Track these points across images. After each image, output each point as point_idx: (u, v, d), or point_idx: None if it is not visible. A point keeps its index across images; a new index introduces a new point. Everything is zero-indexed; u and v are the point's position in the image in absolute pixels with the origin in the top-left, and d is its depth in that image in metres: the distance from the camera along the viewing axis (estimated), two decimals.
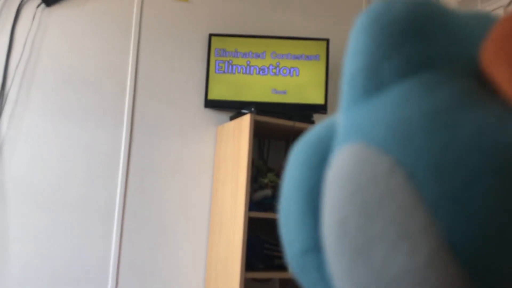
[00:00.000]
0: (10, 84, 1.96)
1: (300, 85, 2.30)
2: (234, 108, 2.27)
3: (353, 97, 0.31)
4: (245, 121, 2.03)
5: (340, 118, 0.33)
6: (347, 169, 0.28)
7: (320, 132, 0.35)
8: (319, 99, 2.29)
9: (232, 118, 2.23)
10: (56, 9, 2.08)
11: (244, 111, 2.12)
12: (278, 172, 2.24)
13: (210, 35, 2.30)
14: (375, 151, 0.27)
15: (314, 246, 0.32)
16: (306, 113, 2.24)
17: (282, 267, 2.14)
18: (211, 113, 2.33)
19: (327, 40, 2.33)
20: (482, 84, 0.27)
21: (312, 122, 2.19)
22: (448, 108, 0.26)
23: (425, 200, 0.25)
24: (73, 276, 1.98)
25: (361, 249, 0.26)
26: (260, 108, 2.10)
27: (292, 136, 2.15)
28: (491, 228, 0.23)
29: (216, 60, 2.28)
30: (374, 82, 0.30)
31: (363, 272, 0.26)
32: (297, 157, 0.35)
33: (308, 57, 2.32)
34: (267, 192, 2.11)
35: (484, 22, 0.31)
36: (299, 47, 2.32)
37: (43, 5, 2.05)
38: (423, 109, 0.26)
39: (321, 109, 2.28)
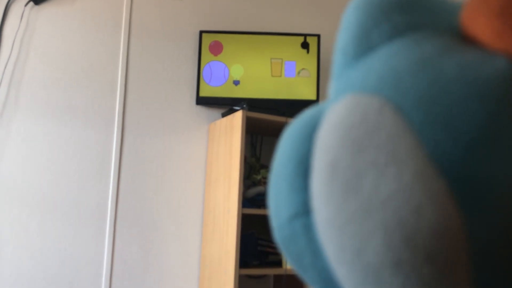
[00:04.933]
0: None
1: (292, 81, 2.30)
2: (226, 105, 2.26)
3: (345, 63, 0.33)
4: (237, 118, 2.02)
5: (332, 86, 0.35)
6: (339, 115, 0.30)
7: (312, 112, 0.37)
8: (311, 95, 2.29)
9: (224, 115, 2.22)
10: (44, 7, 2.06)
11: (236, 107, 2.12)
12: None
13: (201, 32, 2.29)
14: (366, 95, 0.29)
15: (304, 210, 0.33)
16: (298, 108, 2.23)
17: (276, 263, 2.13)
18: (203, 110, 2.32)
19: (318, 36, 2.32)
20: (462, 40, 0.30)
21: None
22: (433, 55, 0.29)
23: (412, 127, 0.27)
24: (66, 278, 1.96)
25: (351, 183, 0.27)
26: (252, 105, 2.09)
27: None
28: (472, 143, 0.26)
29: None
30: (364, 47, 0.32)
31: (353, 204, 0.27)
32: (289, 132, 0.37)
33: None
34: (261, 188, 2.10)
35: (457, 4, 0.35)
36: (290, 44, 2.32)
37: (31, 3, 2.03)
38: (411, 57, 0.29)
39: (313, 104, 2.28)
